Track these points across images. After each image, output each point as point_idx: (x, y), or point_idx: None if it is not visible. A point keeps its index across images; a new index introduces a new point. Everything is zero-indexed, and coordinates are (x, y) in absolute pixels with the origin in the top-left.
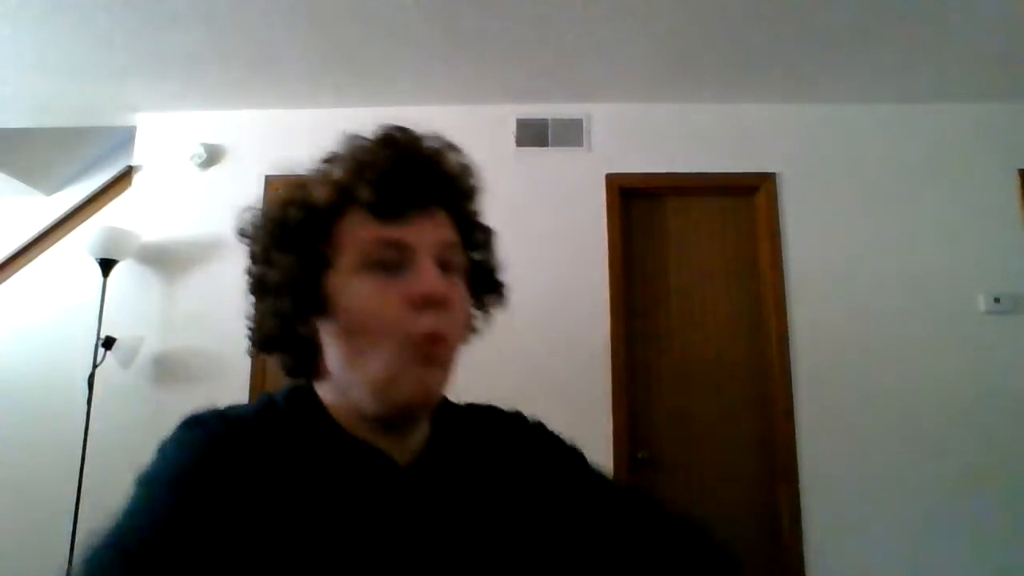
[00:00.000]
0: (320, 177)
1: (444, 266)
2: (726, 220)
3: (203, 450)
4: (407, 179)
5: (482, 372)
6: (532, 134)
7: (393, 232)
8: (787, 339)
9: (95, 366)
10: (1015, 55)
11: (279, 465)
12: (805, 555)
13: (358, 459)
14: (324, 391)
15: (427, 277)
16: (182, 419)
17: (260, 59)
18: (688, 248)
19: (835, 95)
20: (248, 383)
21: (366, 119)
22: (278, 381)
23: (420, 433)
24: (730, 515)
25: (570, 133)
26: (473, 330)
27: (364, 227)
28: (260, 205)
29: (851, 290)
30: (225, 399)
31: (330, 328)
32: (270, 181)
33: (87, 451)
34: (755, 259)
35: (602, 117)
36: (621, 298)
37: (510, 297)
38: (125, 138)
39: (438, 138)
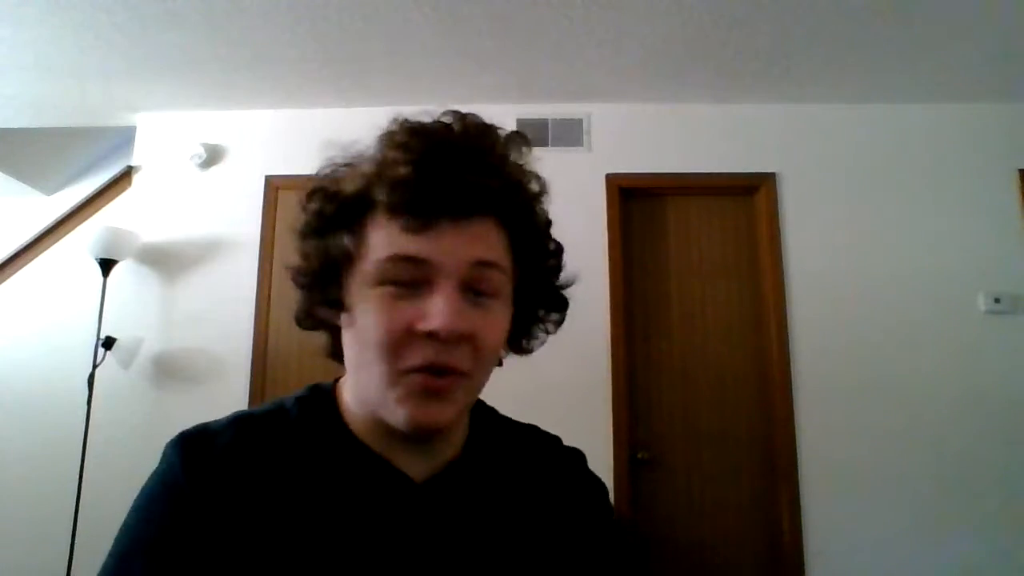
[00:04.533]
0: (357, 165)
1: (475, 287)
2: (726, 220)
3: (183, 472)
4: (435, 181)
5: None
6: (532, 134)
7: (412, 245)
8: (787, 339)
9: (95, 366)
10: (1015, 55)
11: (280, 478)
12: (805, 554)
13: (367, 472)
14: (348, 388)
15: (440, 310)
16: (178, 437)
17: (260, 59)
18: (688, 248)
19: (835, 95)
20: (248, 383)
21: (366, 119)
22: (278, 381)
23: (448, 448)
24: (730, 515)
25: (570, 133)
26: (500, 360)
27: (386, 232)
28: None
29: (851, 290)
30: (225, 399)
31: (346, 329)
32: (270, 181)
33: (87, 451)
34: (755, 259)
35: (602, 117)
36: (621, 298)
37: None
38: (125, 138)
39: (493, 129)
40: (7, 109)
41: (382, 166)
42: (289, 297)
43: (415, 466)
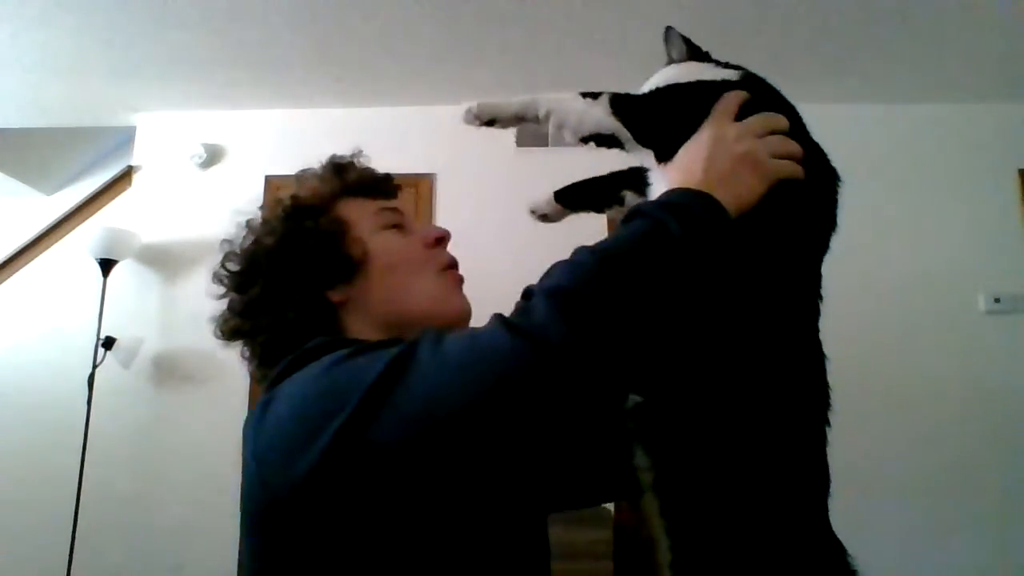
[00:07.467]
0: (304, 184)
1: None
2: None
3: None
4: (376, 175)
5: None
6: (532, 134)
7: (388, 203)
8: None
9: (95, 366)
10: (1015, 55)
11: None
12: None
13: None
14: (369, 324)
15: (433, 226)
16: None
17: (260, 59)
18: None
19: (835, 95)
20: (248, 383)
21: (366, 119)
22: None
23: None
24: None
25: None
26: None
27: (363, 204)
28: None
29: (851, 290)
30: (225, 399)
31: (365, 283)
32: (270, 181)
33: (87, 451)
34: None
35: None
36: None
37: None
38: (125, 138)
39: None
40: (7, 109)
41: (338, 170)
42: None
43: None
